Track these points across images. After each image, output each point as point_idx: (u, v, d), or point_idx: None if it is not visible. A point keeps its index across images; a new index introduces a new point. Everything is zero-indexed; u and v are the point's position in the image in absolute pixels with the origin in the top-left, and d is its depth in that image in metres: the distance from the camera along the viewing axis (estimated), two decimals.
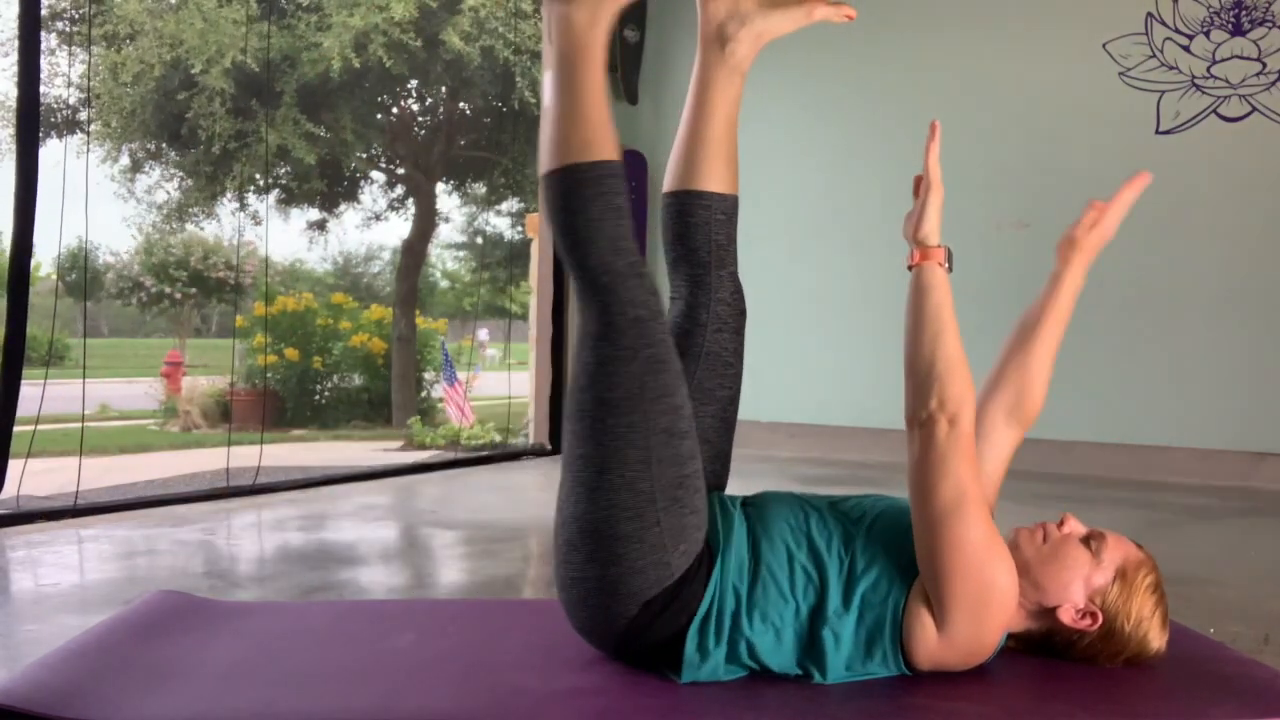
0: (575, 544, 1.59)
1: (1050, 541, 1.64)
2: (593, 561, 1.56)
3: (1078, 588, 1.60)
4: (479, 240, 19.32)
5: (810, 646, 1.57)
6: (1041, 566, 1.62)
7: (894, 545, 1.59)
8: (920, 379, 1.55)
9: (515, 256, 13.52)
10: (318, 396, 10.85)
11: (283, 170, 11.25)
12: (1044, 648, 1.66)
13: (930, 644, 1.55)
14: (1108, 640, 1.62)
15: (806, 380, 5.24)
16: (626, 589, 1.55)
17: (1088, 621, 1.61)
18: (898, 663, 1.58)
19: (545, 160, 1.61)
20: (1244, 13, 4.50)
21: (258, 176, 11.41)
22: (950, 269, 1.63)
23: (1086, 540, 1.64)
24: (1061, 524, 1.66)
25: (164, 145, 11.35)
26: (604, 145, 1.59)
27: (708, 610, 1.57)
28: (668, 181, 1.85)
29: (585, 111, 1.61)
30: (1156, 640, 1.64)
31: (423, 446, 7.90)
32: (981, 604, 1.53)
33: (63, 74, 10.89)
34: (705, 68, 1.82)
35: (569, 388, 1.63)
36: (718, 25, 1.82)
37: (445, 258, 25.98)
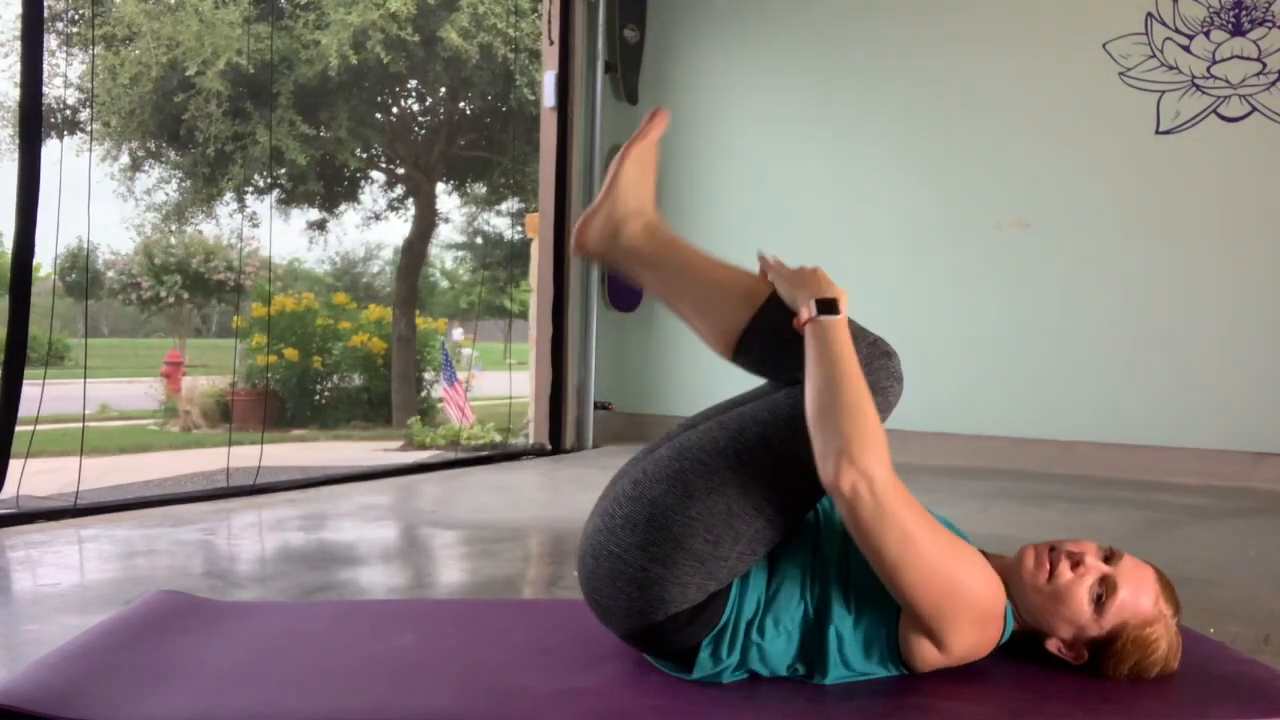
0: (635, 524, 1.56)
1: (1055, 583, 1.57)
2: (644, 551, 1.54)
3: (1067, 630, 1.60)
4: (479, 240, 19.32)
5: (815, 646, 1.57)
6: (1040, 603, 1.59)
7: None
8: (822, 439, 1.45)
9: (515, 256, 13.51)
10: (318, 396, 10.85)
11: (281, 171, 11.26)
12: (1036, 652, 1.67)
13: (927, 654, 1.56)
14: (1095, 672, 1.61)
15: None
16: (661, 593, 1.54)
17: (1071, 655, 1.61)
18: (896, 664, 1.58)
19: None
20: (1244, 13, 4.50)
21: (256, 178, 11.42)
22: (836, 312, 1.54)
23: (1100, 589, 1.56)
24: (1078, 565, 1.58)
25: (163, 145, 11.36)
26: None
27: (725, 622, 1.57)
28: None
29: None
30: (1157, 672, 1.61)
31: (423, 446, 7.90)
32: (969, 619, 1.53)
33: (62, 74, 10.90)
34: (643, 267, 1.71)
35: (749, 409, 1.59)
36: (607, 251, 1.73)
37: (445, 258, 26.01)
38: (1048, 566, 1.58)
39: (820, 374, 1.49)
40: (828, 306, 1.53)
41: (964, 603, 1.51)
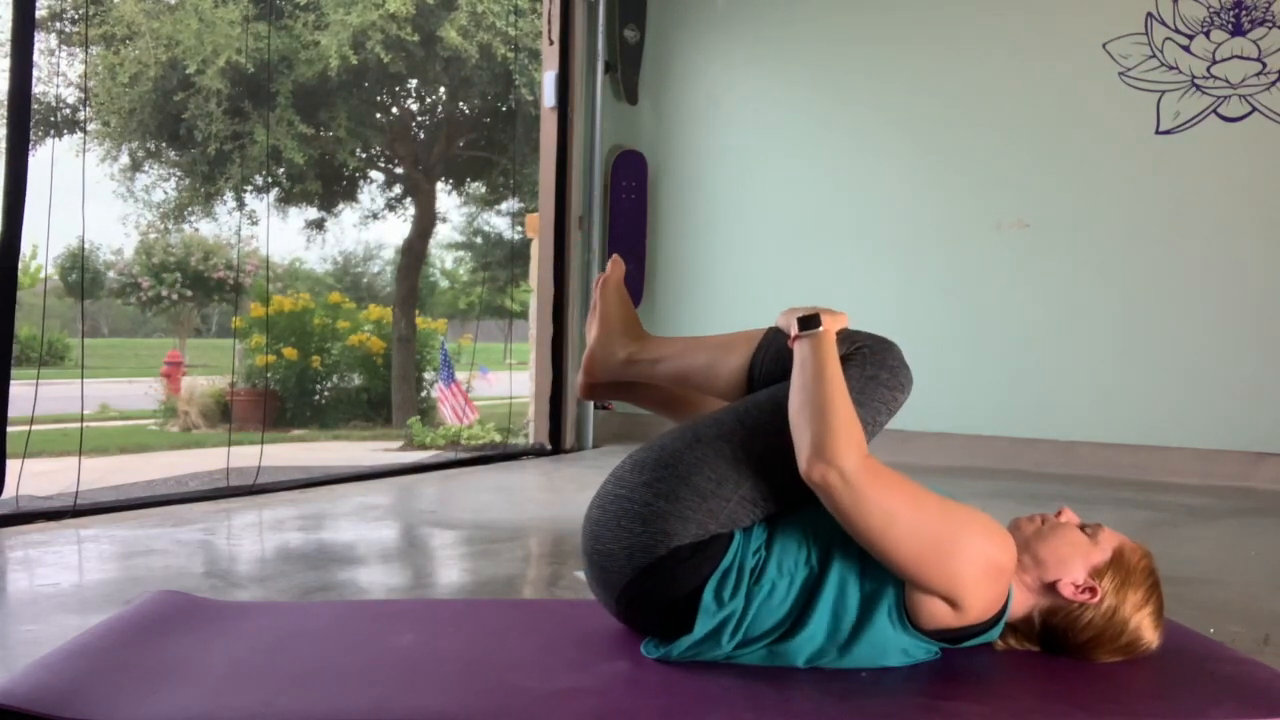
0: (642, 465, 1.67)
1: (1048, 524, 1.70)
2: (649, 487, 1.64)
3: (1077, 563, 1.64)
4: (479, 240, 19.30)
5: (814, 592, 1.60)
6: (1040, 543, 1.67)
7: None
8: (796, 436, 1.56)
9: (515, 256, 13.51)
10: (317, 396, 10.85)
11: (280, 171, 11.26)
12: (1045, 634, 1.68)
13: (937, 612, 1.58)
14: (1107, 621, 1.64)
15: None
16: (663, 525, 1.61)
17: (1087, 595, 1.63)
18: (901, 620, 1.59)
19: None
20: (1244, 13, 4.50)
21: (256, 177, 11.42)
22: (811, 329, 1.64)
23: (1082, 527, 1.70)
24: (1058, 515, 1.72)
25: (163, 145, 11.36)
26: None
27: (730, 564, 1.61)
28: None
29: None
30: (1151, 628, 1.66)
31: (423, 446, 7.91)
32: (981, 572, 1.56)
33: (62, 74, 10.89)
34: (650, 367, 1.89)
35: (763, 395, 1.69)
36: (615, 372, 1.92)
37: (445, 258, 25.97)
38: (1037, 518, 1.72)
39: (798, 381, 1.60)
40: (808, 322, 1.64)
41: (969, 558, 1.54)
